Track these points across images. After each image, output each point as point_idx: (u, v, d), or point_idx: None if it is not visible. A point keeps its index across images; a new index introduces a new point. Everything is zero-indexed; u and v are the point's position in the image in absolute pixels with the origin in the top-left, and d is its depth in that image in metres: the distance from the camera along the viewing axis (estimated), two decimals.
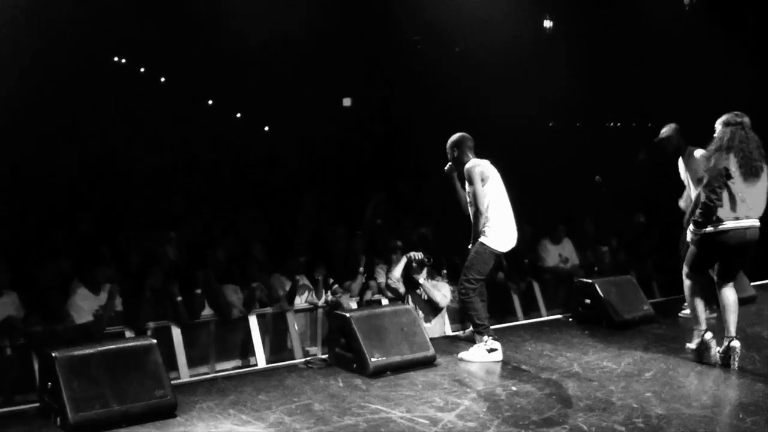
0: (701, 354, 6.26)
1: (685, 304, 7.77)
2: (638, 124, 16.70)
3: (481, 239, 6.37)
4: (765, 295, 8.85)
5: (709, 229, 5.96)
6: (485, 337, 6.37)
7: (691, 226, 6.12)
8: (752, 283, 8.89)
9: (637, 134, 16.10)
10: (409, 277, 8.25)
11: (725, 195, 5.91)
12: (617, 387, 5.66)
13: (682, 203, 7.59)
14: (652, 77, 14.30)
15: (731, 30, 12.30)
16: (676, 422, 4.94)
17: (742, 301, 8.32)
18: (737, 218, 5.92)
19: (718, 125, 6.07)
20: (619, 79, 14.71)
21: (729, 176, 5.85)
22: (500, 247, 6.40)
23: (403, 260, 8.27)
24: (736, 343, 6.10)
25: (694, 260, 6.21)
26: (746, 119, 6.05)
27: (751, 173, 5.89)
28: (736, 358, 6.07)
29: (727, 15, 12.67)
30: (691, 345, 6.35)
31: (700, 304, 6.29)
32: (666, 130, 7.41)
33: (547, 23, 15.65)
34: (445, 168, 6.73)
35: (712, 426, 4.92)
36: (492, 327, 6.67)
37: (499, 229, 6.37)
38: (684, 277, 6.37)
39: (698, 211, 5.98)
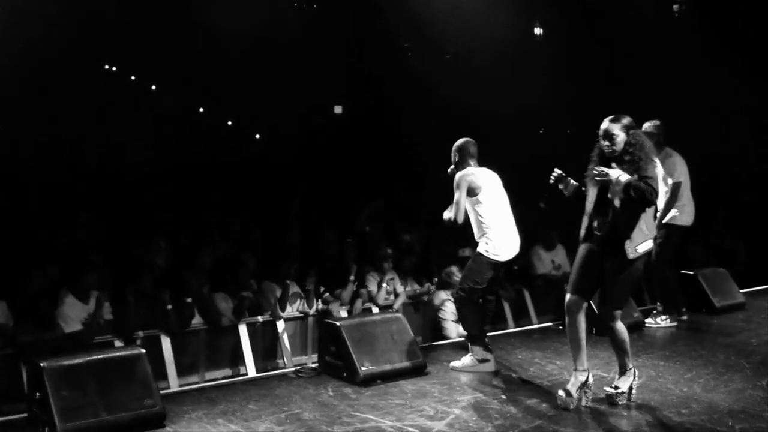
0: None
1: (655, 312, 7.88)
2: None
3: (479, 248, 6.26)
4: (753, 303, 8.87)
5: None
6: (476, 348, 6.34)
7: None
8: (741, 291, 8.91)
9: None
10: None
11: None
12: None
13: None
14: (642, 82, 14.33)
15: (720, 36, 12.34)
16: (666, 429, 4.96)
17: (732, 308, 8.42)
18: None
19: (623, 131, 5.28)
20: (610, 84, 14.74)
21: None
22: (499, 257, 6.25)
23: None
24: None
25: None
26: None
27: None
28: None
29: (717, 21, 12.71)
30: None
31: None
32: (649, 126, 7.41)
33: (537, 30, 15.67)
34: (448, 171, 6.53)
35: None
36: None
37: (498, 239, 6.23)
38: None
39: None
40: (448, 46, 15.49)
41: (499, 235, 6.25)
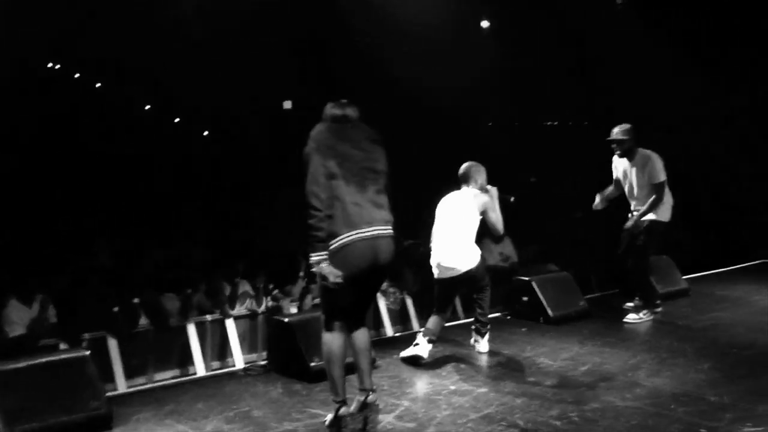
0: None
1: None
2: (575, 122, 16.98)
3: None
4: (696, 288, 9.07)
5: None
6: (421, 335, 6.50)
7: None
8: (684, 277, 9.10)
9: (575, 132, 16.38)
10: None
11: None
12: (553, 382, 5.76)
13: (597, 198, 7.75)
14: (588, 76, 14.53)
15: (663, 28, 12.56)
16: (610, 414, 5.05)
17: (675, 294, 8.60)
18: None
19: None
20: (556, 77, 14.92)
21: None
22: (440, 275, 6.50)
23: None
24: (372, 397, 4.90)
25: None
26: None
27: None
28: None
29: (659, 13, 12.93)
30: None
31: None
32: (618, 132, 7.49)
33: (485, 23, 15.78)
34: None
35: (644, 417, 5.03)
36: None
37: (432, 259, 6.51)
38: None
39: None
40: (400, 40, 15.53)
41: (435, 254, 6.49)
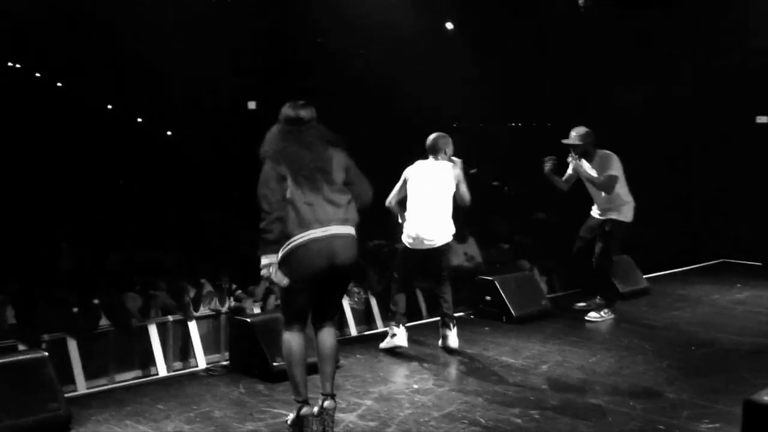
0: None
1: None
2: (538, 124, 17.11)
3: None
4: (657, 287, 9.20)
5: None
6: (392, 324, 6.56)
7: None
8: (645, 276, 9.22)
9: (538, 134, 16.50)
10: None
11: None
12: (515, 380, 5.81)
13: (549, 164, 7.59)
14: (551, 78, 14.65)
15: (626, 29, 12.71)
16: (570, 412, 5.10)
17: (636, 294, 8.70)
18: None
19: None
20: (519, 80, 15.03)
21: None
22: (413, 246, 6.46)
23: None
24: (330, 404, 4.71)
25: None
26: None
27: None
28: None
29: (621, 15, 13.08)
30: None
31: None
32: (574, 136, 7.49)
33: (449, 25, 15.85)
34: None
35: (604, 415, 5.09)
36: None
37: (409, 229, 6.44)
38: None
39: None
40: (362, 41, 15.55)
41: (410, 226, 6.44)
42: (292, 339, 4.66)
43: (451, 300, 6.64)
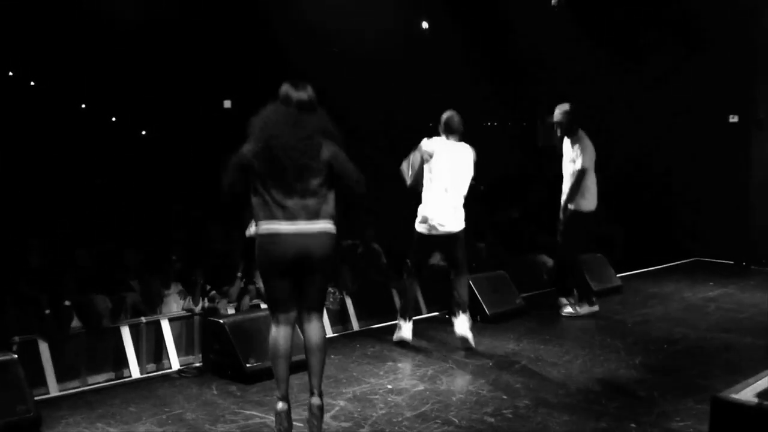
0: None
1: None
2: (513, 123, 17.17)
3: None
4: (629, 286, 9.26)
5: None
6: (399, 319, 6.63)
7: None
8: (617, 275, 9.28)
9: (512, 133, 16.57)
10: None
11: None
12: (489, 379, 5.81)
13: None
14: (527, 77, 14.69)
15: (599, 28, 12.75)
16: (543, 411, 5.12)
17: (609, 292, 8.75)
18: None
19: None
20: (494, 79, 15.06)
21: None
22: (426, 231, 6.40)
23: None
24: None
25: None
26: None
27: None
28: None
29: (593, 14, 13.12)
30: None
31: None
32: (557, 113, 7.50)
33: (424, 24, 15.85)
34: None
35: (576, 412, 5.11)
36: (373, 326, 6.78)
37: (425, 213, 6.38)
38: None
39: None
40: (334, 41, 15.51)
41: (425, 210, 6.39)
42: (277, 333, 4.60)
43: (465, 292, 6.60)
